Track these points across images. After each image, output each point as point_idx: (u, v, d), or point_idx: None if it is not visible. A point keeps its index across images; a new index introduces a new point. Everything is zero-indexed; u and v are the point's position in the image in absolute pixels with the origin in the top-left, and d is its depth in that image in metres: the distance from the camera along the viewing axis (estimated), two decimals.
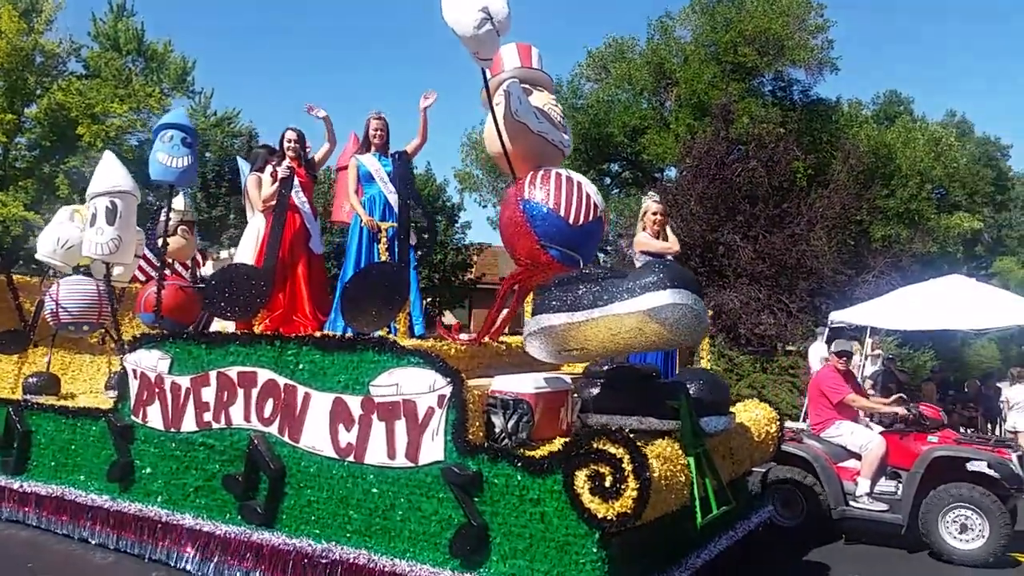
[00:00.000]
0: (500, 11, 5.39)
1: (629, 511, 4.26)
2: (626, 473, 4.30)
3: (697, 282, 4.88)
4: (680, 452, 4.97)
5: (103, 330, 8.31)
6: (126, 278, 8.36)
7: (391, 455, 5.09)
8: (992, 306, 10.67)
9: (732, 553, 5.75)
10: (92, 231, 7.18)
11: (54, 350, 8.51)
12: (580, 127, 27.44)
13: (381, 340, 5.27)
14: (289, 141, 6.88)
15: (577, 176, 5.92)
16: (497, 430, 5.00)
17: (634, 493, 4.26)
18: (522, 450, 4.82)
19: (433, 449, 4.93)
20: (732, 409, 6.02)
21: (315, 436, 5.43)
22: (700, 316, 4.69)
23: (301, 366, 5.55)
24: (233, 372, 5.86)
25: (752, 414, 6.36)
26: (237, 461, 5.80)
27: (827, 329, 14.59)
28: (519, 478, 4.62)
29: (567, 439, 4.75)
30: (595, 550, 4.40)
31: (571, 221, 5.71)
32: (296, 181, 6.71)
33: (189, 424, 6.07)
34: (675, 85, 28.18)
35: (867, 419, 7.68)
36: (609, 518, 4.30)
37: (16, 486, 7.09)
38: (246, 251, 7.11)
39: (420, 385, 5.00)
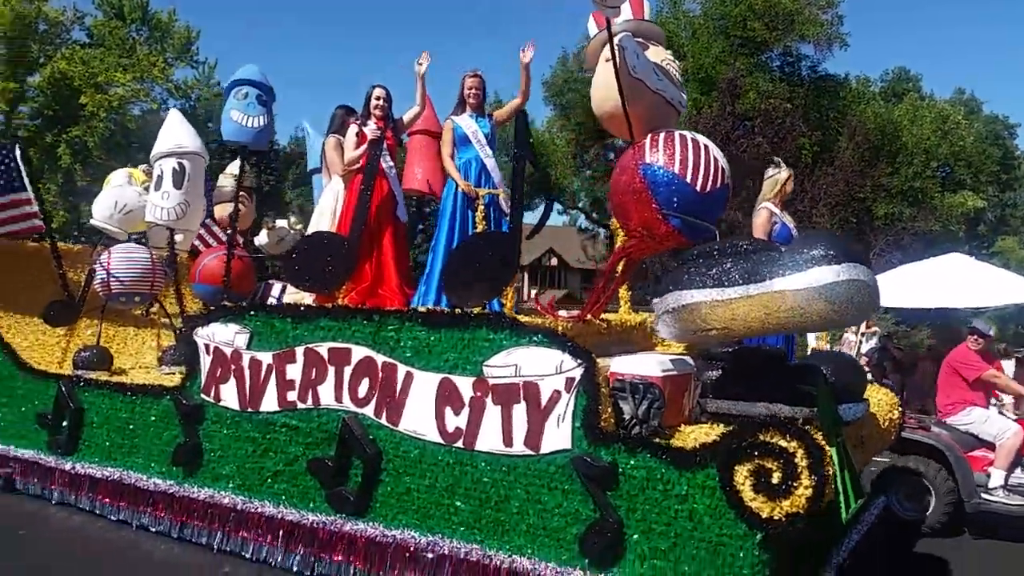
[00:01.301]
0: None
1: (802, 510, 3.83)
2: (799, 469, 3.86)
3: (867, 255, 4.44)
4: (823, 442, 4.52)
5: (153, 301, 7.82)
6: (185, 247, 7.85)
7: (507, 442, 4.63)
8: (989, 284, 10.58)
9: (859, 548, 5.33)
10: (157, 195, 6.67)
11: (95, 322, 8.02)
12: (586, 100, 27.22)
13: (498, 316, 4.82)
14: (377, 99, 6.37)
15: (703, 138, 5.45)
16: (627, 417, 4.55)
17: (808, 491, 3.83)
18: (657, 439, 4.38)
19: (558, 437, 4.48)
20: None
21: (417, 419, 4.97)
22: (874, 294, 4.27)
23: (403, 343, 5.09)
24: (324, 348, 5.39)
25: (874, 399, 5.92)
26: (324, 444, 5.34)
27: None
28: (663, 471, 4.18)
29: (724, 429, 4.28)
30: (756, 552, 3.96)
31: (698, 187, 5.21)
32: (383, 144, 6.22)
33: (270, 404, 5.60)
34: (682, 59, 27.94)
35: (998, 405, 7.28)
36: (776, 518, 3.86)
37: (68, 467, 6.60)
38: (323, 219, 6.62)
39: (544, 366, 4.54)
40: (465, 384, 4.81)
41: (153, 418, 6.23)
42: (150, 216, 6.77)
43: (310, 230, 6.73)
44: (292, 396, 5.51)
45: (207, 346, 5.95)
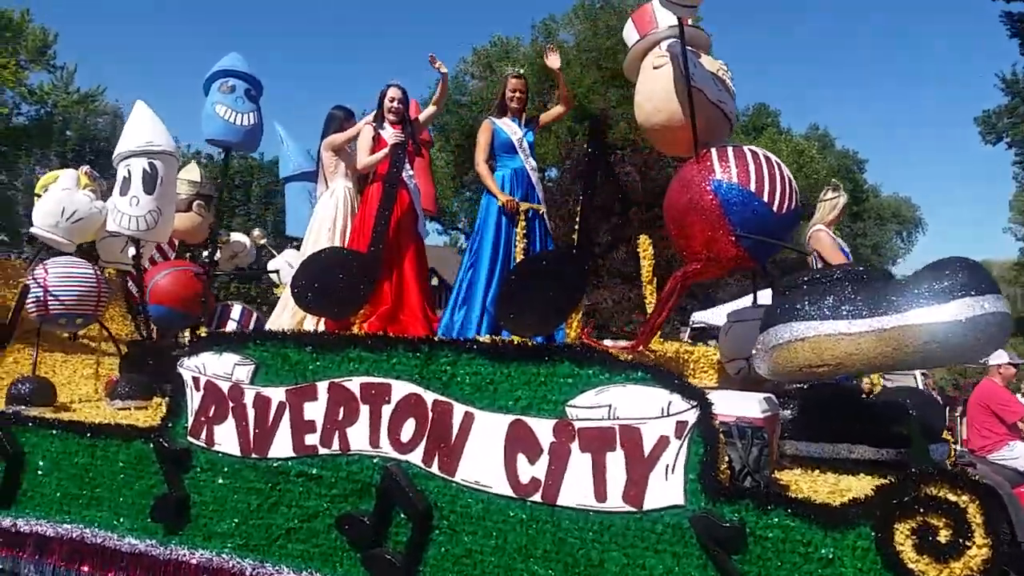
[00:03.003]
0: None
1: (978, 572, 3.36)
2: (973, 526, 3.39)
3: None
4: None
5: (96, 324, 6.70)
6: (145, 261, 6.72)
7: (600, 496, 3.98)
8: None
9: None
10: (123, 200, 5.60)
11: (19, 347, 6.83)
12: (463, 123, 28.07)
13: (586, 349, 4.17)
14: (392, 100, 5.62)
15: (772, 155, 5.01)
16: (736, 466, 3.99)
17: (983, 551, 3.36)
18: (784, 493, 3.86)
19: (667, 491, 3.86)
20: None
21: (480, 468, 4.25)
22: (1010, 325, 3.89)
23: (459, 379, 4.36)
24: (355, 384, 4.58)
25: None
26: (354, 496, 4.54)
27: (690, 328, 14.85)
28: (804, 531, 3.63)
29: (886, 484, 3.77)
30: None
31: (775, 208, 4.78)
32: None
33: (282, 449, 4.74)
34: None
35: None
36: None
37: (7, 524, 5.46)
38: (322, 232, 5.77)
39: (647, 408, 3.92)
40: (543, 427, 4.13)
41: (121, 464, 5.21)
42: (114, 225, 5.70)
43: (306, 245, 5.86)
44: (312, 440, 4.68)
45: (196, 380, 5.02)
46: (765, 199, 4.75)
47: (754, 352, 4.36)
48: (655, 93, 5.18)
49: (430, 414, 4.40)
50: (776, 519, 3.67)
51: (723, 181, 4.78)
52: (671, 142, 5.25)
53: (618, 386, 4.01)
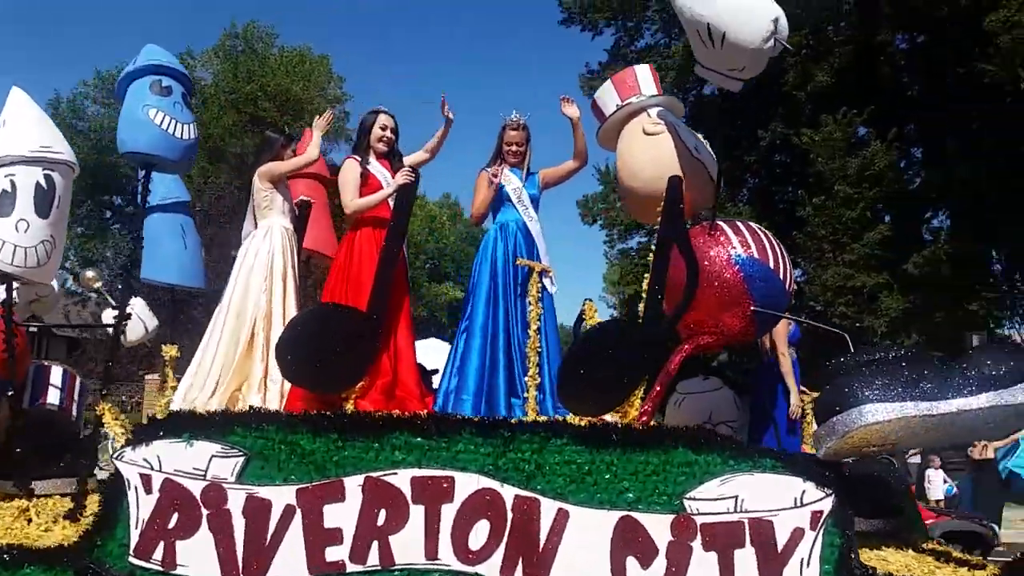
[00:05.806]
0: (785, 28, 4.44)
1: None
2: None
3: None
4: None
5: None
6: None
7: None
8: None
9: None
10: (5, 224, 3.83)
11: None
12: (80, 152, 25.60)
13: (704, 433, 3.76)
14: (384, 129, 4.69)
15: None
16: None
17: None
18: None
19: None
20: None
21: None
22: None
23: (548, 469, 3.68)
24: (402, 478, 3.65)
25: None
26: None
27: None
28: None
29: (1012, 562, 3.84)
30: None
31: (787, 284, 4.83)
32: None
33: (289, 568, 3.59)
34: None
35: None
36: None
37: None
38: (251, 280, 4.54)
39: (780, 498, 3.64)
40: (658, 525, 3.63)
41: None
42: None
43: (232, 294, 4.56)
44: (337, 554, 3.62)
45: (146, 479, 3.64)
46: (782, 276, 4.77)
47: (826, 431, 4.26)
48: (652, 161, 4.96)
49: (510, 514, 3.65)
50: None
51: (743, 255, 4.71)
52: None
53: (744, 474, 3.67)
